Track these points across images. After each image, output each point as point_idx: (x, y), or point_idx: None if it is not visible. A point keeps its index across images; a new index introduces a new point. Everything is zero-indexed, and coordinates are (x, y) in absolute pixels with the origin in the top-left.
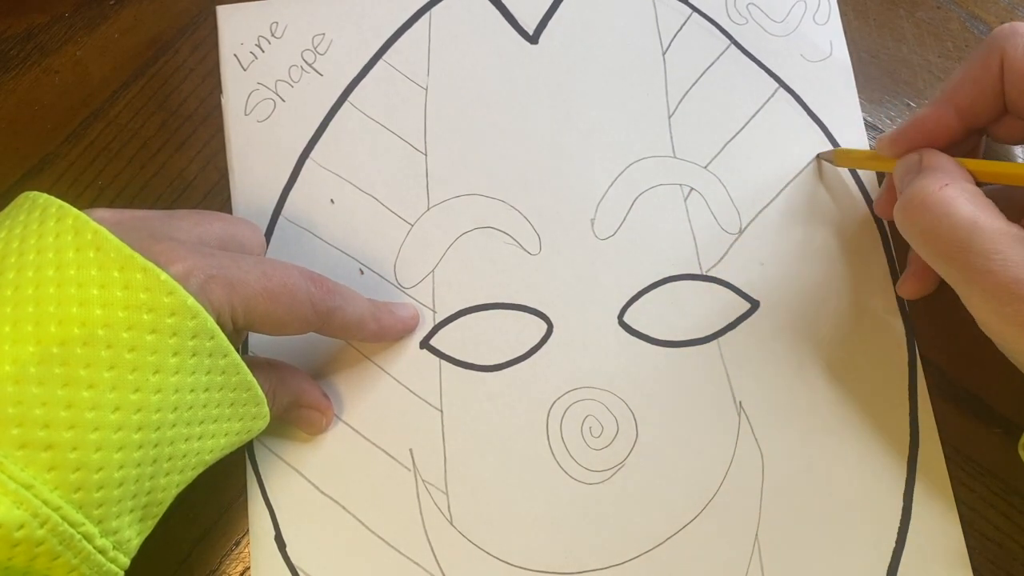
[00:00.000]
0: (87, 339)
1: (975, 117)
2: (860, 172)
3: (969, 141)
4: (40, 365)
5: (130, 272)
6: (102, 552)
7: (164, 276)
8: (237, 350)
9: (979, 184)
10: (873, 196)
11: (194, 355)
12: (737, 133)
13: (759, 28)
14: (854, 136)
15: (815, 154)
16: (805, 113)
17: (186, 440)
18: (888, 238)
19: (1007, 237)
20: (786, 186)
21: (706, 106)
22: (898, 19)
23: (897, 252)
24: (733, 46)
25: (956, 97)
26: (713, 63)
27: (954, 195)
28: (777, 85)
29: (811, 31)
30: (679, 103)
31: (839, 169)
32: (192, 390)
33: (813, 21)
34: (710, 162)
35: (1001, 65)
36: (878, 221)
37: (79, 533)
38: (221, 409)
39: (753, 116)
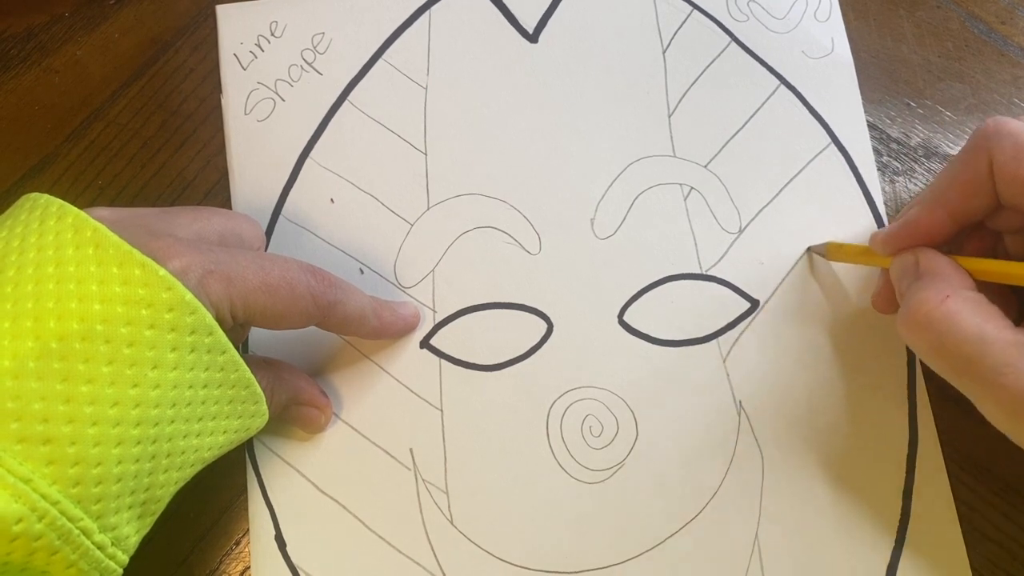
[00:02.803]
0: (86, 334)
1: (967, 217)
2: (860, 161)
3: (965, 232)
4: (39, 360)
5: (128, 268)
6: (100, 548)
7: (162, 272)
8: (239, 345)
9: (979, 284)
10: (874, 194)
11: (192, 351)
12: (738, 131)
13: (760, 25)
14: (856, 134)
15: (806, 247)
16: (806, 110)
17: (184, 437)
18: None
19: (1016, 348)
20: (786, 185)
21: (706, 104)
22: (898, 19)
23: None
24: (734, 43)
25: (946, 199)
26: (714, 61)
27: (957, 308)
28: (778, 82)
29: (812, 28)
30: (679, 101)
31: (841, 159)
32: (190, 386)
33: (814, 18)
34: (710, 161)
35: (990, 167)
36: (878, 221)
37: (77, 528)
38: (220, 406)
39: (754, 114)
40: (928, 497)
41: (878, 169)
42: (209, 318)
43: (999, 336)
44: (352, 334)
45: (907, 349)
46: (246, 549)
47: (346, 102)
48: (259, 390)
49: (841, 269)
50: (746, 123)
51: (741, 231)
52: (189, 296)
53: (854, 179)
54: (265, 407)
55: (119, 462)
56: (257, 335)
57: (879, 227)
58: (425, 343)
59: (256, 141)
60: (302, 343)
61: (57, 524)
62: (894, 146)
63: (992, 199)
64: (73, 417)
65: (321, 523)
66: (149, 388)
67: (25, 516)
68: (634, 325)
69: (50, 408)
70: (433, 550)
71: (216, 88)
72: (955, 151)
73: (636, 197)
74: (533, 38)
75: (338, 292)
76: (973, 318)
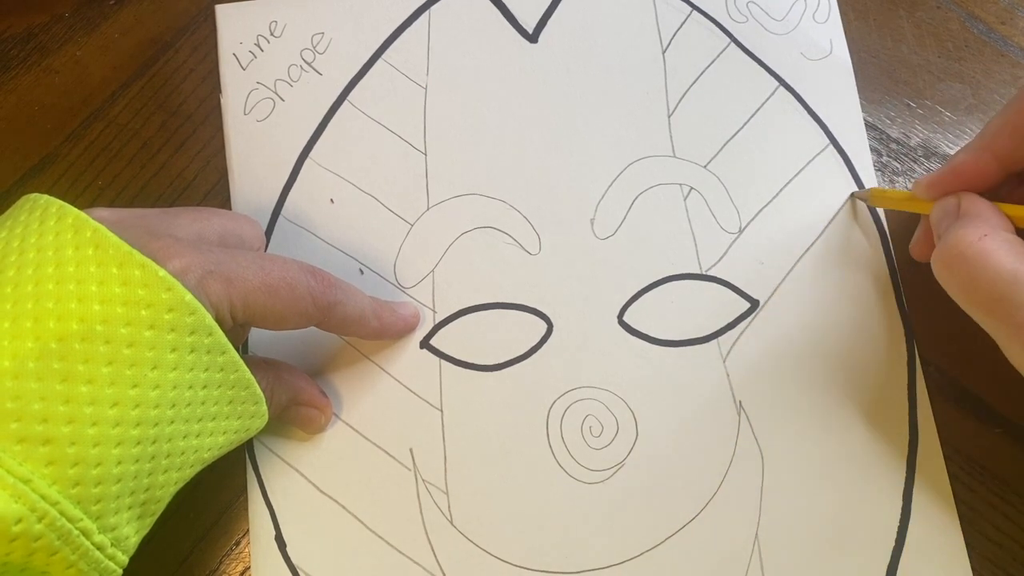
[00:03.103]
0: (85, 335)
1: (1015, 163)
2: (858, 162)
3: (1009, 183)
4: (39, 360)
5: (128, 269)
6: (100, 548)
7: (162, 272)
8: (239, 346)
9: (1020, 231)
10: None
11: (192, 351)
12: (737, 132)
13: (759, 26)
14: (854, 135)
15: (849, 193)
16: (805, 112)
17: (184, 437)
18: (888, 238)
19: None
20: (786, 185)
21: (706, 105)
22: (898, 19)
23: (897, 252)
24: (733, 44)
25: (995, 144)
26: (713, 62)
27: (994, 247)
28: (777, 83)
29: (811, 29)
30: (679, 102)
31: (839, 160)
32: (190, 387)
33: (813, 19)
34: (710, 161)
35: None
36: (878, 221)
37: (77, 528)
38: (220, 407)
39: (753, 115)
40: (928, 497)
41: (878, 169)
42: (209, 319)
43: None
44: (352, 335)
45: (907, 349)
46: (246, 549)
47: (346, 102)
48: (259, 390)
49: (843, 267)
50: (745, 124)
51: (741, 231)
52: (189, 297)
53: (852, 180)
54: (265, 408)
55: (119, 462)
56: (257, 336)
57: (876, 226)
58: (425, 343)
59: (256, 141)
60: (302, 344)
61: (57, 524)
62: (894, 146)
63: None
64: (73, 417)
65: (321, 523)
66: (149, 388)
67: (24, 516)
68: (634, 325)
69: (50, 408)
70: (433, 550)
71: (216, 88)
72: (955, 151)
73: (636, 197)
74: (533, 38)
75: (338, 293)
76: (1008, 256)
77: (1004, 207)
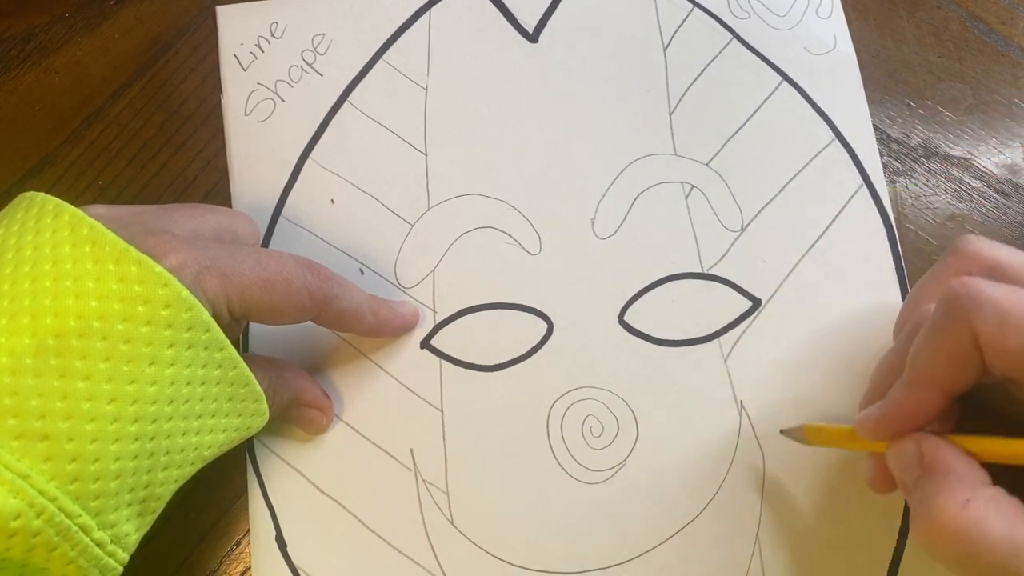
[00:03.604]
0: (83, 331)
1: (959, 390)
2: (865, 157)
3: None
4: (36, 356)
5: (125, 265)
6: (100, 545)
7: (159, 268)
8: (236, 340)
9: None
10: (879, 189)
11: (189, 347)
12: (739, 129)
13: (761, 22)
14: (860, 130)
15: (779, 429)
16: (809, 107)
17: (183, 434)
18: (895, 235)
19: None
20: (789, 182)
21: (708, 102)
22: (898, 19)
23: (904, 250)
24: (735, 41)
25: (935, 377)
26: (715, 58)
27: (981, 514)
28: (780, 79)
29: (814, 24)
30: (680, 99)
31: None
32: (188, 383)
33: (816, 15)
34: (712, 159)
35: (974, 338)
36: (883, 217)
37: (76, 524)
38: (219, 404)
39: (756, 111)
40: None
41: (881, 166)
42: (206, 314)
43: None
44: (349, 330)
45: None
46: (246, 549)
47: (346, 103)
48: (258, 388)
49: (845, 266)
50: (748, 120)
51: (743, 229)
52: (185, 292)
53: (858, 175)
54: (265, 406)
55: (117, 458)
56: (258, 335)
57: (884, 224)
58: (425, 343)
59: (256, 142)
60: (303, 343)
61: (55, 520)
62: (894, 146)
63: (982, 370)
64: (70, 413)
65: (321, 523)
66: (146, 384)
67: (23, 512)
68: (635, 325)
69: (47, 404)
70: (433, 550)
71: (216, 89)
72: (955, 151)
73: (637, 196)
74: (533, 38)
75: (335, 287)
76: (1000, 523)
77: (964, 442)
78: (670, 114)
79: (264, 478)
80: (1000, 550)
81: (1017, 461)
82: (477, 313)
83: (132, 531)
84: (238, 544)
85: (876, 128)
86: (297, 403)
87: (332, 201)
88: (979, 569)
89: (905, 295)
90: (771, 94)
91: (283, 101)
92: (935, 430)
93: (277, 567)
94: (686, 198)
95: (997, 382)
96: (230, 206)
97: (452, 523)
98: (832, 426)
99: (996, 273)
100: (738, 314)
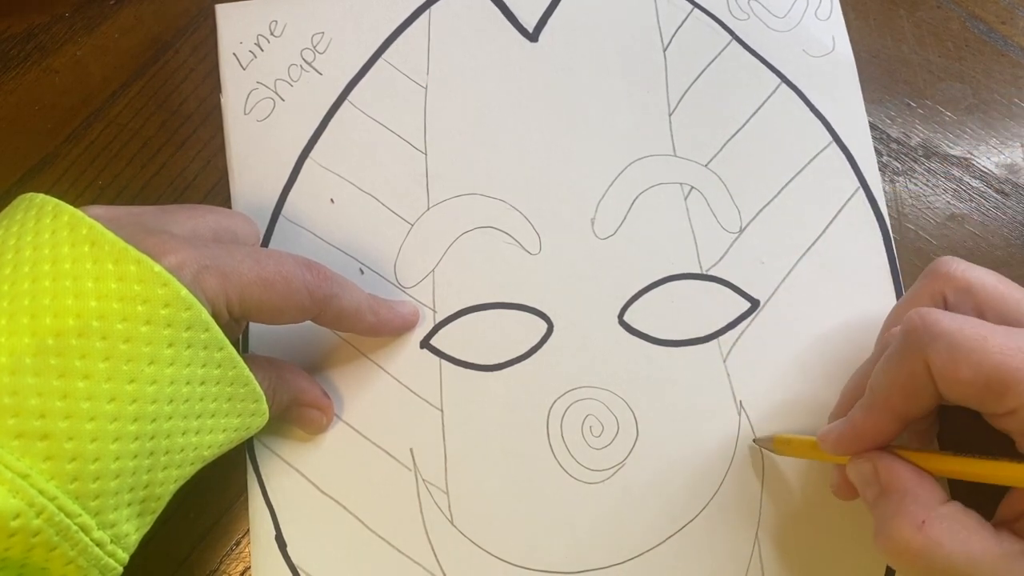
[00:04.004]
0: (82, 330)
1: (914, 416)
2: (862, 159)
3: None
4: (36, 356)
5: (124, 265)
6: (99, 545)
7: (158, 268)
8: (236, 340)
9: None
10: (876, 191)
11: (189, 347)
12: (738, 130)
13: (761, 24)
14: (857, 132)
15: (751, 439)
16: (808, 109)
17: (183, 434)
18: (889, 238)
19: (1006, 560)
20: (787, 184)
21: (707, 103)
22: (898, 19)
23: (899, 251)
24: (735, 42)
25: (890, 403)
26: (714, 59)
27: (936, 535)
28: (779, 81)
29: (813, 26)
30: (680, 100)
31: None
32: (188, 382)
33: (815, 16)
34: (711, 160)
35: (928, 369)
36: (880, 220)
37: (75, 524)
38: (219, 403)
39: (755, 113)
40: None
41: (878, 169)
42: (205, 314)
43: (986, 553)
44: (349, 330)
45: None
46: (246, 549)
47: (346, 102)
48: (258, 388)
49: (843, 267)
50: (747, 122)
51: (742, 230)
52: (185, 292)
53: (855, 177)
54: (265, 406)
55: (117, 458)
56: (258, 335)
57: (880, 227)
58: (425, 343)
59: (256, 141)
60: (303, 343)
61: (55, 520)
62: (894, 146)
63: (936, 397)
64: (70, 412)
65: (321, 523)
66: (146, 384)
67: (23, 511)
68: (634, 325)
69: (47, 404)
70: (433, 550)
71: (216, 88)
72: (955, 151)
73: (636, 197)
74: (533, 37)
75: (334, 286)
76: (956, 542)
77: (919, 459)
78: (669, 115)
79: (264, 478)
80: (958, 566)
81: (968, 478)
82: (477, 313)
83: (132, 531)
84: (238, 544)
85: (876, 128)
86: (297, 403)
87: (332, 201)
88: None
89: (900, 297)
90: (770, 96)
91: (283, 100)
92: (902, 444)
93: (277, 567)
94: (685, 199)
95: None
96: (230, 206)
97: (452, 523)
98: (799, 438)
99: (968, 295)
100: (737, 315)
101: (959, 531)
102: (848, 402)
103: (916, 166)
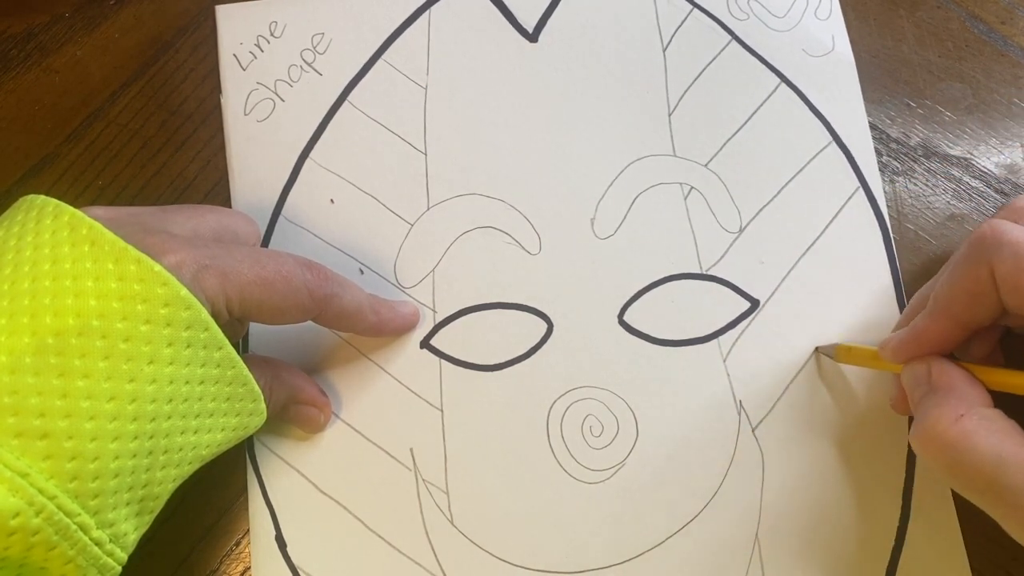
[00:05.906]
0: (82, 329)
1: (975, 324)
2: (862, 159)
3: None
4: (35, 355)
5: (124, 264)
6: (98, 544)
7: (157, 267)
8: (236, 341)
9: (994, 393)
10: (875, 191)
11: (188, 346)
12: (738, 130)
13: (760, 23)
14: (857, 132)
15: (814, 346)
16: (807, 109)
17: (182, 433)
18: (889, 237)
19: None
20: (787, 184)
21: (707, 103)
22: (898, 19)
23: (898, 251)
24: (734, 42)
25: (953, 310)
26: (714, 59)
27: (972, 428)
28: (779, 81)
29: (813, 26)
30: (679, 100)
31: (842, 157)
32: (187, 382)
33: (815, 16)
34: (710, 160)
35: (992, 277)
36: (880, 220)
37: (75, 523)
38: (217, 403)
39: (754, 113)
40: (928, 497)
41: (878, 169)
42: (204, 313)
43: (1017, 456)
44: (349, 330)
45: None
46: (246, 549)
47: (346, 102)
48: (257, 388)
49: (844, 267)
50: (746, 122)
51: (741, 230)
52: (184, 291)
53: (855, 177)
54: (263, 405)
55: (116, 457)
56: (258, 335)
57: (880, 227)
58: (425, 343)
59: (256, 141)
60: (303, 343)
61: (54, 519)
62: (894, 146)
63: (998, 306)
64: (70, 412)
65: (321, 523)
66: (146, 383)
67: (22, 510)
68: (634, 325)
69: (47, 403)
70: (433, 550)
71: (216, 88)
72: (955, 151)
73: (636, 197)
74: (533, 38)
75: (334, 286)
76: (989, 438)
77: (976, 370)
78: (669, 115)
79: (264, 478)
80: (986, 462)
81: (1020, 391)
82: (477, 313)
83: (131, 530)
84: (238, 544)
85: (876, 128)
86: (294, 401)
87: (332, 201)
88: (966, 478)
89: (900, 297)
90: (769, 96)
91: (283, 101)
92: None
93: (277, 567)
94: (685, 199)
95: None
96: (230, 206)
97: (452, 523)
98: (861, 346)
99: None
100: (737, 314)
101: (995, 431)
102: (912, 313)
103: (916, 166)
